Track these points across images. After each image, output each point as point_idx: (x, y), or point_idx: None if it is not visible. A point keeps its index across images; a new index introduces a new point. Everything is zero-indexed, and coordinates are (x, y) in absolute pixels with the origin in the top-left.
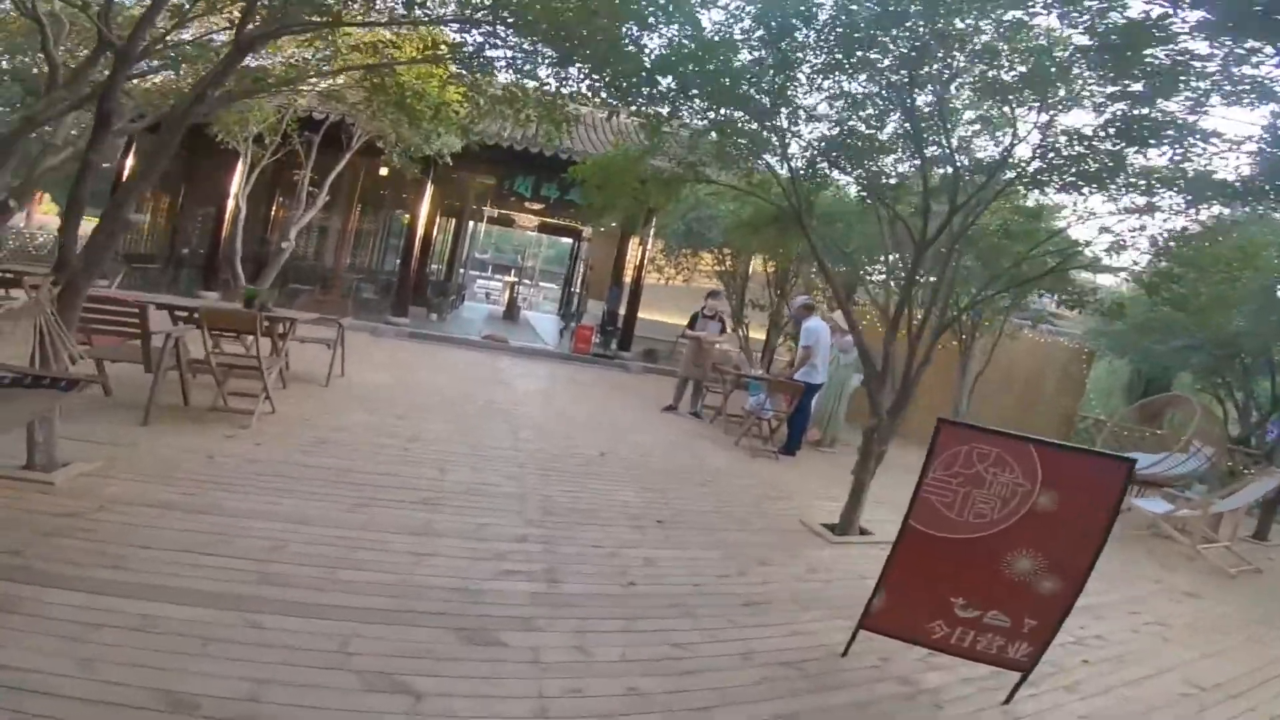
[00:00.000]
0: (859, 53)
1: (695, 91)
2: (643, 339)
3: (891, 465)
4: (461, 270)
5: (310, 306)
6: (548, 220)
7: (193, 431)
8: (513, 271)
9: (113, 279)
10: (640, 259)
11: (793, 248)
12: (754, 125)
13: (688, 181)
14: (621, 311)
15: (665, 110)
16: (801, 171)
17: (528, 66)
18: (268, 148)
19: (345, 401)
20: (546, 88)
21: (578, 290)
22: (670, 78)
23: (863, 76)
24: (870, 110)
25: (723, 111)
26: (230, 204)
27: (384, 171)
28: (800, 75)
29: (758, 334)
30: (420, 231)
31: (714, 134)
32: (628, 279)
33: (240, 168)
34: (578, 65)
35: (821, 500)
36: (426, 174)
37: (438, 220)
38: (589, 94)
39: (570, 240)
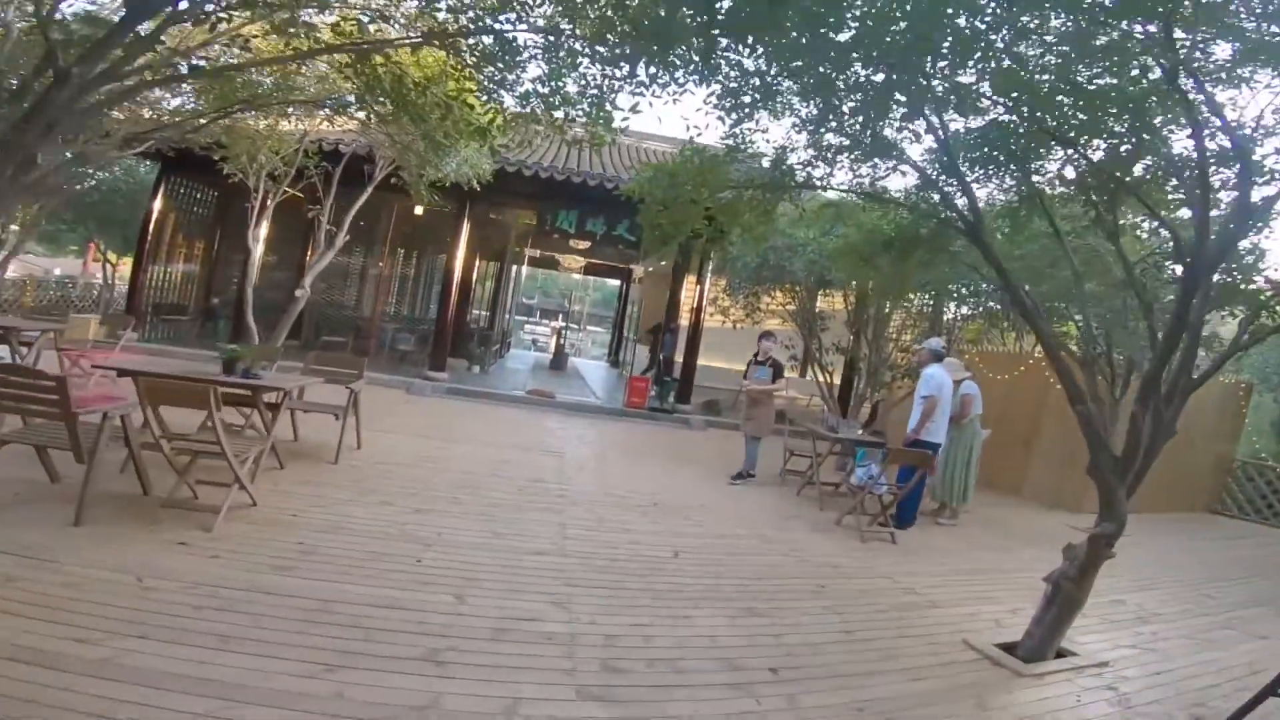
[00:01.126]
0: None
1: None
2: (702, 389)
3: (1012, 529)
4: (506, 316)
5: (330, 362)
6: (594, 260)
7: (135, 537)
8: (559, 316)
9: (125, 333)
10: (698, 299)
11: (916, 278)
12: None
13: (786, 193)
14: (678, 359)
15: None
16: (977, 165)
17: (564, 55)
18: (281, 182)
19: (353, 486)
20: (590, 78)
21: (630, 335)
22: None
23: None
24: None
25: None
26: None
27: (419, 210)
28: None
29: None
30: (458, 275)
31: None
32: (684, 321)
33: (256, 205)
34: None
35: (980, 603)
36: (462, 213)
37: (477, 264)
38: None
39: (618, 282)
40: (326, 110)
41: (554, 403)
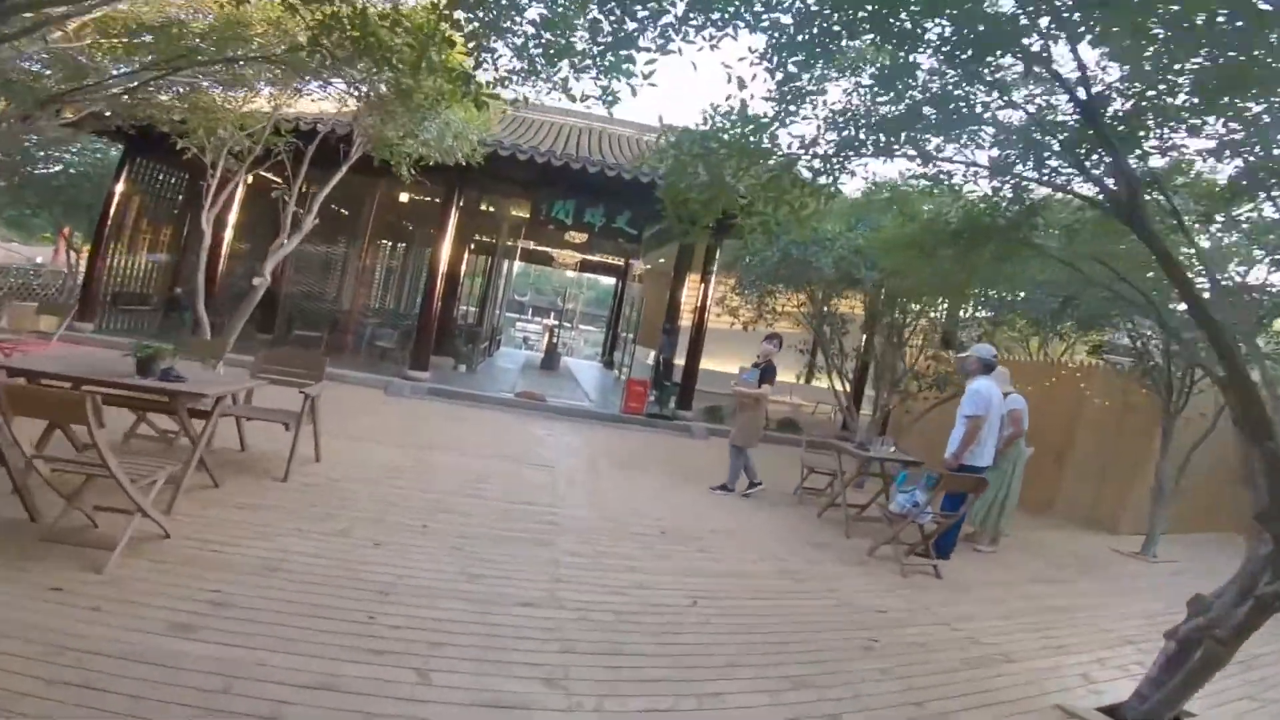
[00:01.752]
0: None
1: None
2: (705, 394)
3: (1056, 555)
4: (496, 313)
5: (288, 361)
6: (589, 257)
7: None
8: (551, 314)
9: (66, 322)
10: (702, 299)
11: (983, 273)
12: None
13: (845, 169)
14: (679, 362)
15: None
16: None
17: None
18: (244, 159)
19: (301, 511)
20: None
21: (627, 335)
22: None
23: None
24: None
25: None
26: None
27: (404, 198)
28: None
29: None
30: (444, 268)
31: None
32: (685, 323)
33: (212, 184)
34: None
35: (1058, 654)
36: (450, 200)
37: (466, 257)
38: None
39: (614, 280)
40: (282, 69)
41: (545, 406)
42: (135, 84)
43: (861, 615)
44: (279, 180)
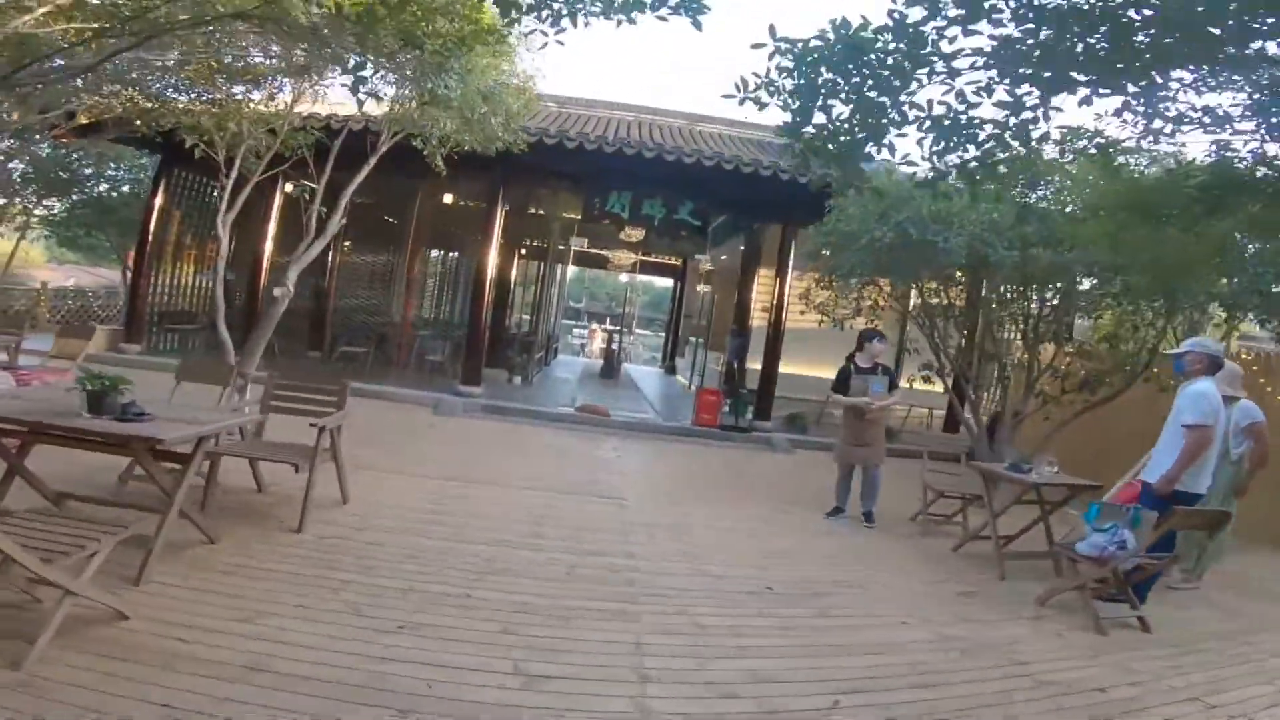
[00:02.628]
0: None
1: None
2: (781, 400)
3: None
4: (551, 321)
5: (307, 381)
6: (645, 258)
7: None
8: (606, 320)
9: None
10: (778, 295)
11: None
12: None
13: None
14: (753, 366)
15: None
16: None
17: None
18: (263, 157)
19: (307, 576)
20: None
21: (696, 340)
22: None
23: None
24: None
25: None
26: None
27: (448, 199)
28: None
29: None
30: (493, 273)
31: None
32: (758, 322)
33: (227, 184)
34: None
35: None
36: (495, 199)
37: (516, 262)
38: None
39: (671, 281)
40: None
41: (608, 422)
42: (96, 61)
43: (1075, 698)
44: (301, 180)
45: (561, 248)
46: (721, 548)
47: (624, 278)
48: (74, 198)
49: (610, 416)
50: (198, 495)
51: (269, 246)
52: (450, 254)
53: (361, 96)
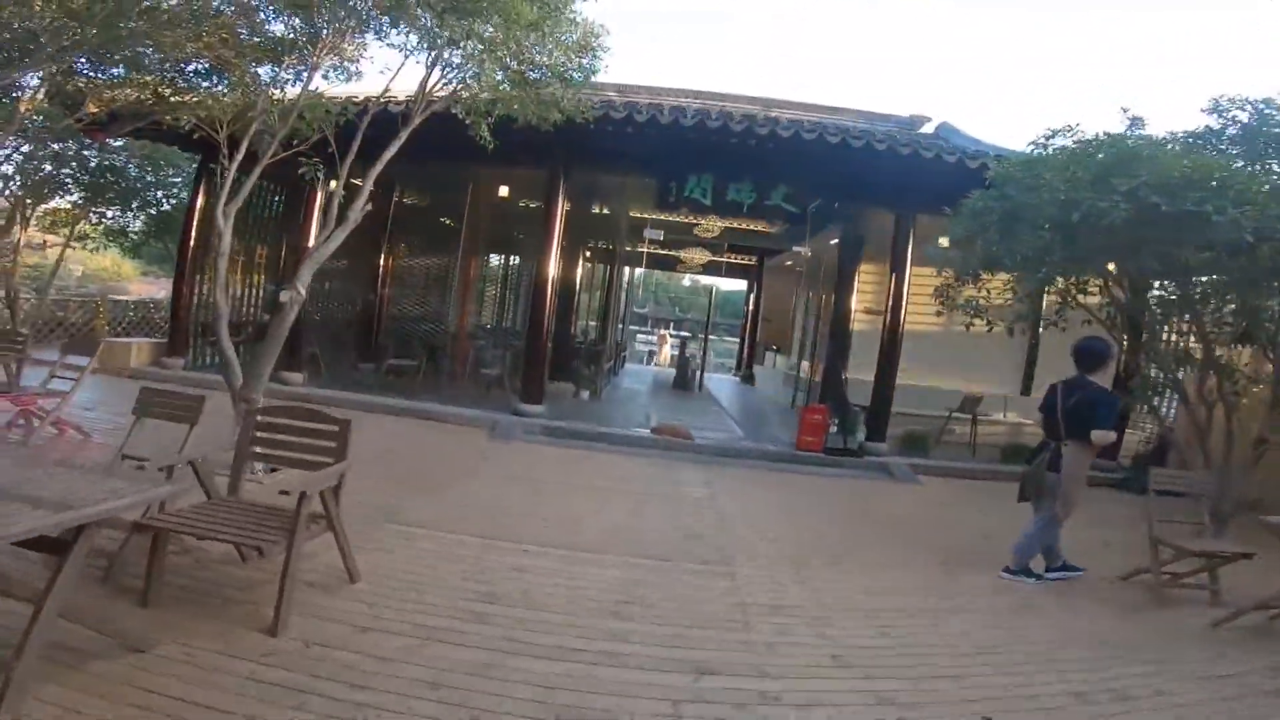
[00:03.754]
0: None
1: None
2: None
3: None
4: (619, 328)
5: (292, 429)
6: (719, 259)
7: None
8: (670, 325)
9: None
10: (893, 294)
11: None
12: None
13: None
14: (854, 376)
15: None
16: None
17: None
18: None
19: None
20: None
21: (775, 349)
22: None
23: None
24: None
25: None
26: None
27: (504, 192)
28: None
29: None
30: (556, 274)
31: None
32: (862, 325)
33: (229, 170)
34: None
35: None
36: (555, 188)
37: (581, 264)
38: None
39: (744, 283)
40: None
41: (691, 446)
42: (69, 42)
43: None
44: (315, 160)
45: (629, 248)
46: (893, 647)
47: (688, 280)
48: (134, 205)
49: (693, 439)
50: (136, 583)
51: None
52: (509, 256)
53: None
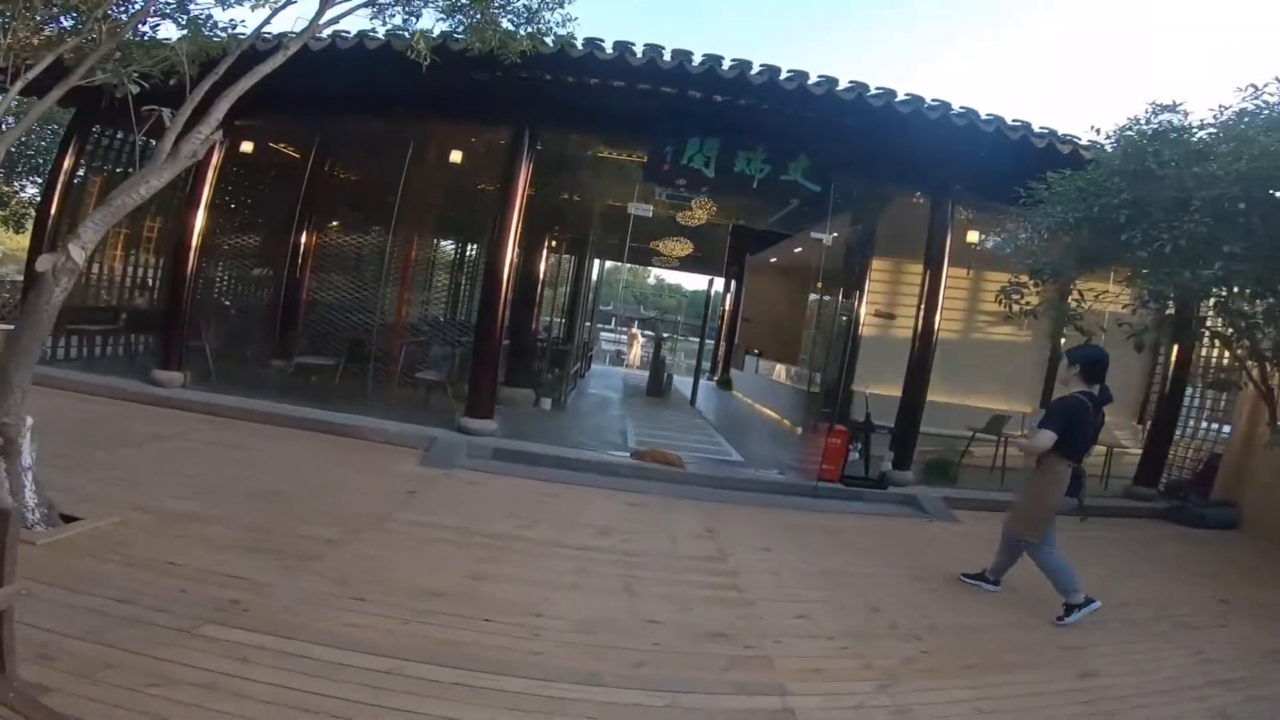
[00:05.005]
0: None
1: None
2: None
3: None
4: (588, 325)
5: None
6: (694, 255)
7: None
8: (635, 324)
9: None
10: (927, 294)
11: None
12: None
13: None
14: (864, 389)
15: None
16: None
17: None
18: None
19: None
20: None
21: (812, 350)
22: None
23: None
24: None
25: None
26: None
27: (456, 157)
28: None
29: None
30: (512, 257)
31: None
32: (873, 330)
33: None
34: None
35: None
36: (518, 158)
37: (546, 253)
38: None
39: (721, 280)
40: None
41: (684, 476)
42: None
43: None
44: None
45: (602, 234)
46: None
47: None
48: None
49: (684, 466)
50: None
51: (200, 218)
52: (463, 237)
53: None
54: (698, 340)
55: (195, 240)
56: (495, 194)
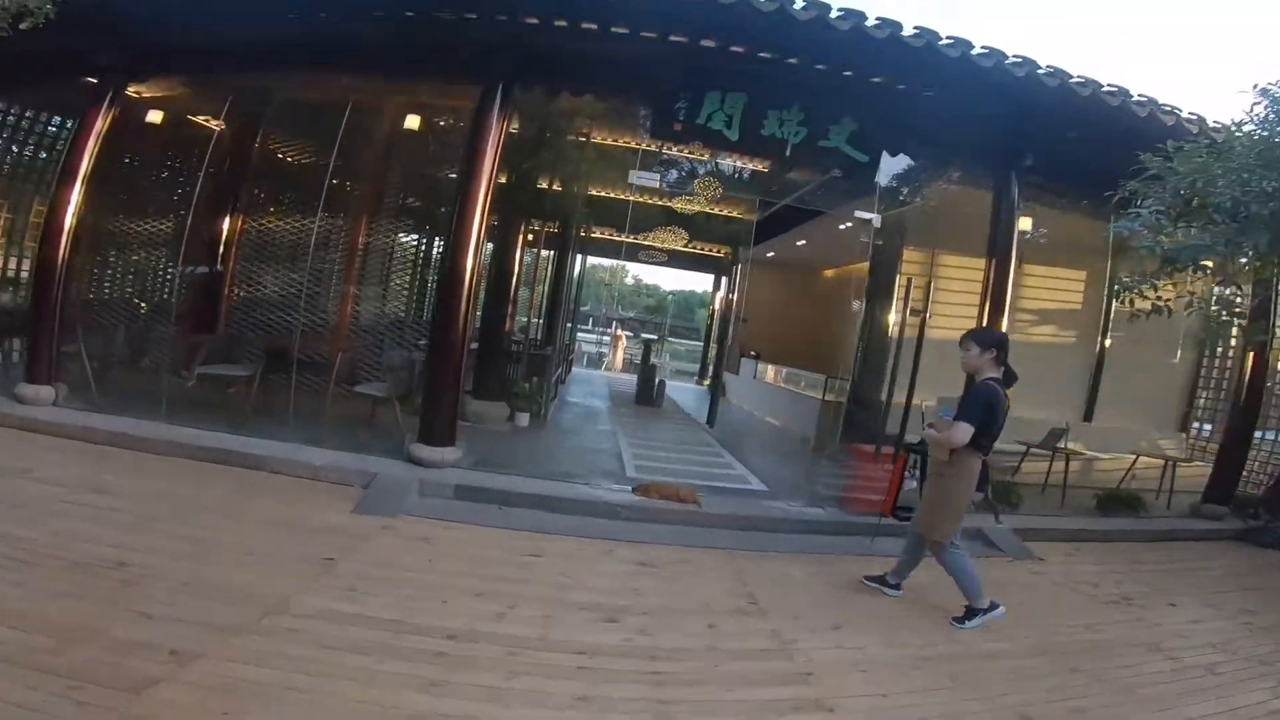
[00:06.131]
0: None
1: None
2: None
3: None
4: (569, 326)
5: None
6: (686, 249)
7: None
8: (614, 325)
9: None
10: (994, 285)
11: None
12: None
13: None
14: (922, 402)
15: None
16: None
17: None
18: None
19: None
20: None
21: (860, 355)
22: None
23: None
24: None
25: None
26: None
27: (413, 123)
28: None
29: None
30: (478, 239)
31: None
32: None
33: None
34: None
35: None
36: (486, 121)
37: (524, 236)
38: None
39: (711, 277)
40: None
41: (699, 517)
42: None
43: None
44: None
45: (589, 225)
46: None
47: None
48: None
49: (700, 504)
50: None
51: (76, 194)
52: (421, 221)
53: None
54: (699, 342)
55: (68, 221)
56: (461, 167)
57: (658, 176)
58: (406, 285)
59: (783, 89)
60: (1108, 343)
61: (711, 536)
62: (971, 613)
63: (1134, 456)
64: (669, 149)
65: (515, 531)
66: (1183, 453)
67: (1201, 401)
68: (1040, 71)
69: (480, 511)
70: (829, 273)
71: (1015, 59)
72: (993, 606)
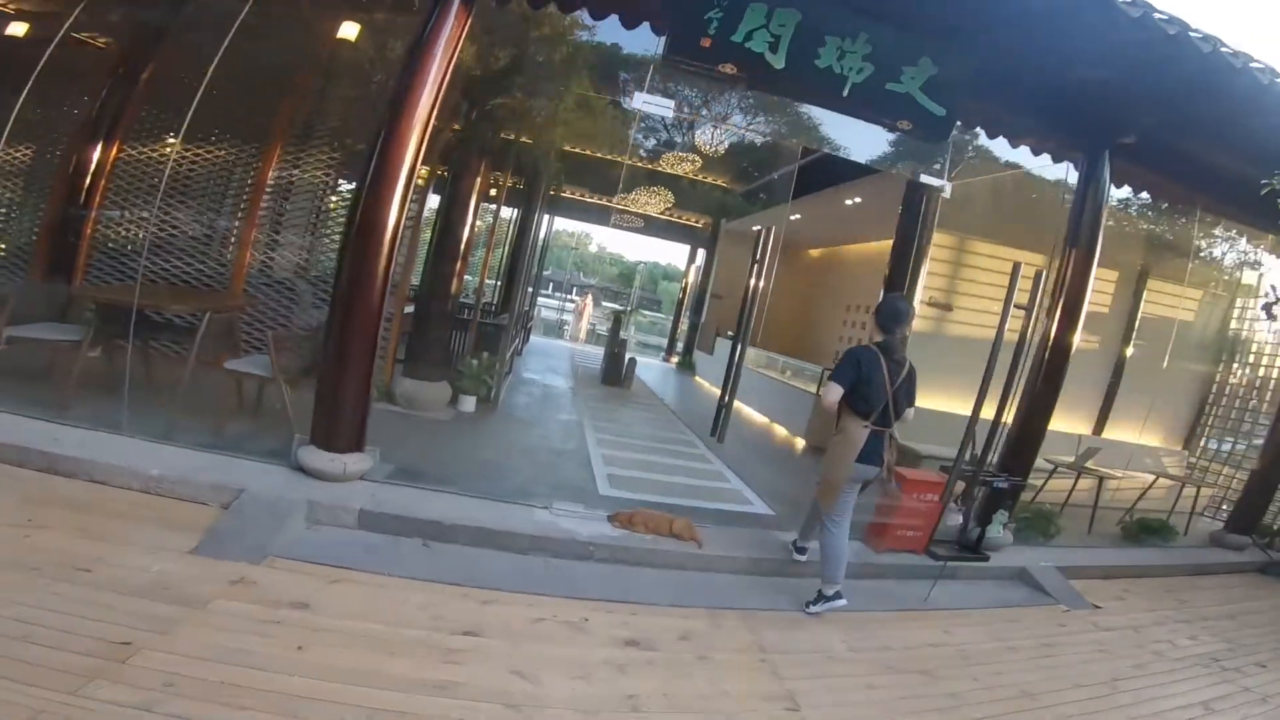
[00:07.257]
0: None
1: None
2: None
3: None
4: (529, 290)
5: None
6: (664, 215)
7: None
8: (573, 290)
9: None
10: (1073, 277)
11: None
12: None
13: None
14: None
15: None
16: None
17: None
18: None
19: None
20: None
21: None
22: None
23: None
24: None
25: None
26: None
27: (350, 33)
28: None
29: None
30: (401, 162)
31: None
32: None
33: None
34: None
35: None
36: (438, 28)
37: (479, 182)
38: None
39: (687, 249)
40: None
41: (698, 560)
42: None
43: None
44: None
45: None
46: None
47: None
48: None
49: (700, 543)
50: None
51: None
52: (354, 156)
53: None
54: (665, 315)
55: None
56: (401, 70)
57: (671, 105)
58: (329, 233)
59: (848, 12)
60: (1129, 350)
61: (715, 588)
62: (821, 597)
63: (1153, 477)
64: (683, 75)
65: (445, 587)
66: (1183, 471)
67: (1212, 417)
68: (1159, 16)
69: (394, 551)
70: (814, 252)
71: None
72: (838, 596)
